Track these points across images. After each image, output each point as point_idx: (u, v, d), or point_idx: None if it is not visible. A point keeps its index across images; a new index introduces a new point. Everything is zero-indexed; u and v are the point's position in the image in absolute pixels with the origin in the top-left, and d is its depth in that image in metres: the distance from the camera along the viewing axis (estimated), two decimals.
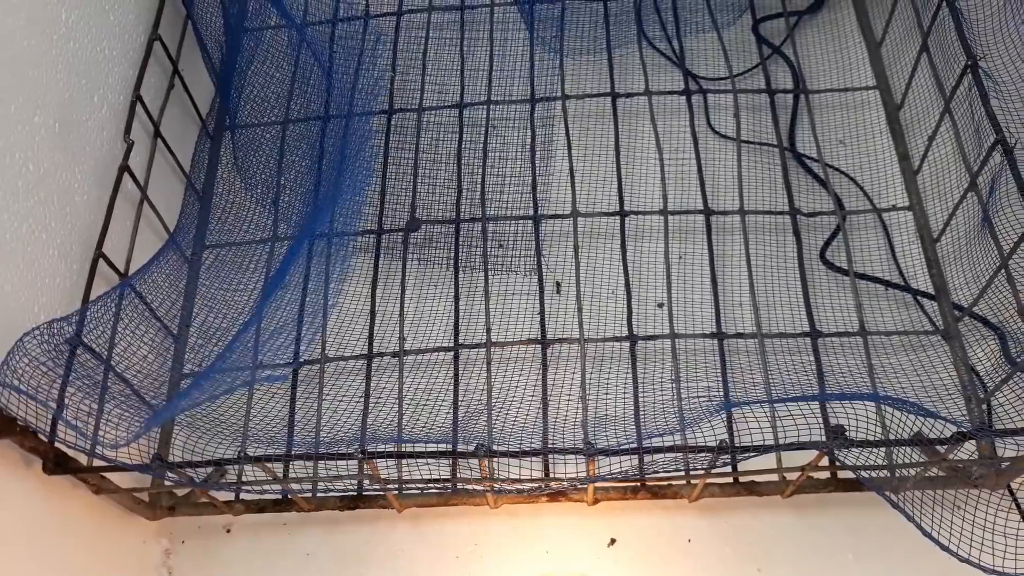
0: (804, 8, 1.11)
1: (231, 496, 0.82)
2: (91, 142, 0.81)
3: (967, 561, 0.67)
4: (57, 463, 0.68)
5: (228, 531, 0.86)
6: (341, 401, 0.86)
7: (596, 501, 0.81)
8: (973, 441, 0.78)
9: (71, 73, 0.78)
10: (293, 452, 0.79)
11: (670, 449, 0.68)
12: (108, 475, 0.73)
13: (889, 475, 0.75)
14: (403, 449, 0.77)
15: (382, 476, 0.71)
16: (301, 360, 0.88)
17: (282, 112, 1.05)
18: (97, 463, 0.70)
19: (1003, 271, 0.78)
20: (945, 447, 0.69)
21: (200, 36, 1.01)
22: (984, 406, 0.82)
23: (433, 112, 1.04)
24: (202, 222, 0.98)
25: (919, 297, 0.91)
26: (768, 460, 0.76)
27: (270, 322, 0.82)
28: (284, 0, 1.09)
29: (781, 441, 0.74)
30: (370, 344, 0.90)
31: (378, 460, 0.71)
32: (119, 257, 0.82)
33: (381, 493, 0.80)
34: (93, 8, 0.82)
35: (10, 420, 0.62)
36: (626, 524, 0.82)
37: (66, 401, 0.68)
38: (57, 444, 0.67)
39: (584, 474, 0.71)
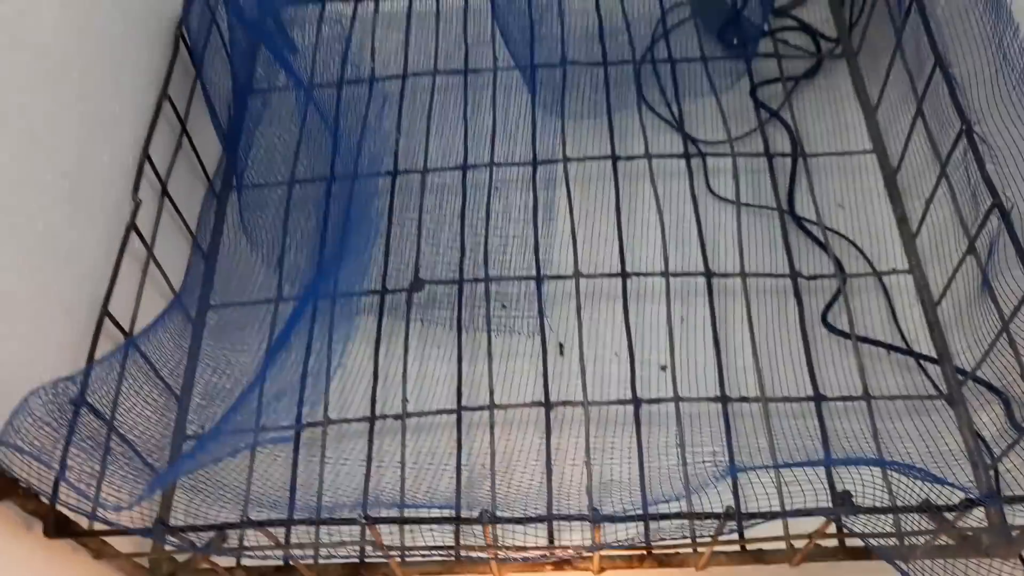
0: (801, 73, 1.14)
1: (232, 562, 0.80)
2: (100, 200, 0.81)
3: None
4: (58, 527, 0.67)
5: None
6: (343, 464, 0.85)
7: (602, 570, 0.79)
8: (983, 509, 0.78)
9: (82, 131, 0.79)
10: (295, 517, 0.78)
11: (676, 516, 0.67)
12: (109, 540, 0.72)
13: (898, 543, 0.75)
14: (406, 515, 0.76)
15: (384, 543, 0.70)
16: (303, 423, 0.88)
17: (288, 172, 1.06)
18: (98, 527, 0.69)
19: (1005, 334, 0.79)
20: (953, 514, 0.69)
21: (208, 96, 1.02)
22: (991, 472, 0.82)
23: (437, 173, 1.06)
24: (207, 282, 0.99)
25: (922, 361, 0.91)
26: (775, 527, 0.75)
27: (273, 384, 0.82)
28: (292, 62, 1.11)
29: (787, 507, 0.73)
30: (372, 406, 0.90)
31: (381, 526, 0.70)
32: (124, 316, 0.82)
33: (384, 560, 0.79)
34: (105, 67, 0.84)
35: (12, 482, 0.62)
36: None
37: (68, 463, 0.67)
38: (58, 507, 0.66)
39: (590, 542, 0.70)
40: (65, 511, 0.67)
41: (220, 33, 1.04)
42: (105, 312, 0.78)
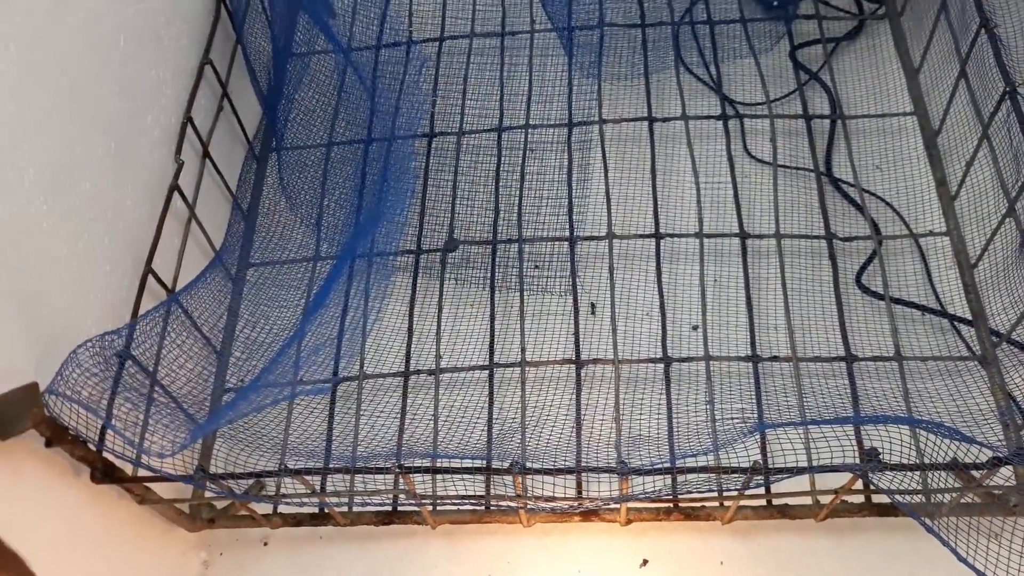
0: (842, 35, 1.12)
1: (269, 509, 0.83)
2: (144, 162, 0.84)
3: None
4: (105, 473, 0.70)
5: (265, 544, 0.87)
6: (378, 417, 0.87)
7: (629, 521, 0.81)
8: (1011, 470, 0.78)
9: (126, 96, 0.81)
10: (331, 466, 0.80)
11: (703, 470, 0.68)
12: (152, 486, 0.75)
13: (924, 500, 0.75)
14: (438, 465, 0.78)
15: (417, 492, 0.73)
16: (340, 376, 0.90)
17: (327, 134, 1.08)
18: (142, 473, 0.72)
19: None
20: (981, 473, 0.69)
21: (249, 60, 1.04)
22: (1022, 433, 0.81)
23: (473, 135, 1.07)
24: (247, 241, 1.01)
25: (956, 323, 0.90)
26: (802, 483, 0.76)
27: (312, 339, 0.84)
28: (330, 25, 1.12)
29: (815, 463, 0.74)
30: (407, 362, 0.92)
31: (414, 475, 0.72)
32: (167, 273, 0.84)
33: (416, 509, 0.82)
34: (148, 34, 0.86)
35: (62, 429, 0.65)
36: (659, 545, 0.83)
37: (115, 412, 0.71)
38: (105, 454, 0.70)
39: (617, 493, 0.71)
40: (111, 458, 0.71)
41: None
42: (149, 269, 0.81)
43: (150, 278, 0.81)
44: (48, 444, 0.64)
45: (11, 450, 0.62)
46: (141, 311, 0.79)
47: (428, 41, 1.15)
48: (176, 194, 0.86)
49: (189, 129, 0.90)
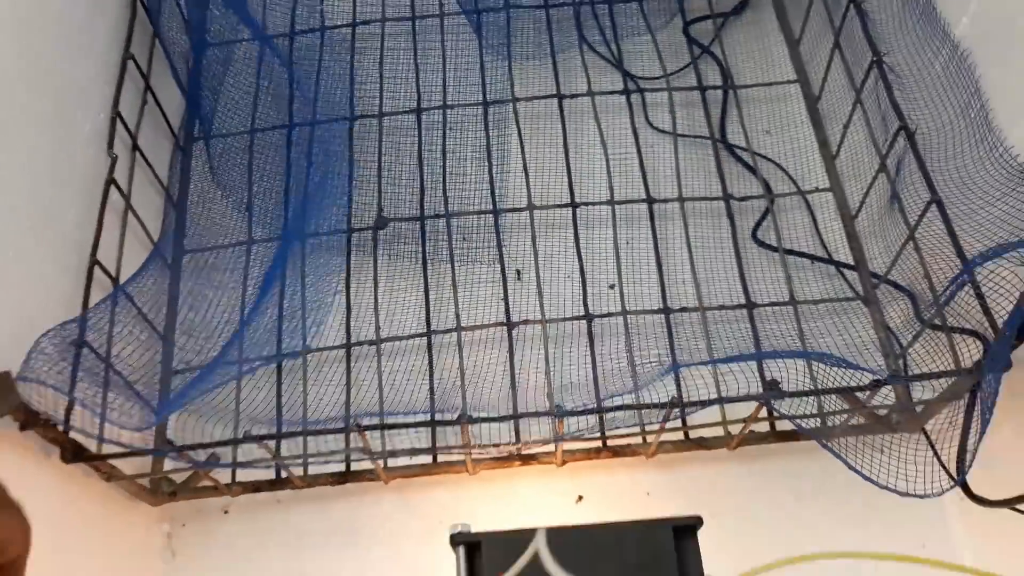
0: (729, 10, 1.21)
1: (228, 479, 0.88)
2: (77, 158, 0.86)
3: (885, 487, 0.78)
4: (74, 453, 0.74)
5: (226, 512, 0.92)
6: (327, 386, 0.93)
7: (564, 463, 0.89)
8: (893, 391, 0.90)
9: (57, 95, 0.83)
10: (286, 431, 0.85)
11: (627, 408, 0.77)
12: (116, 463, 0.79)
13: (821, 423, 0.86)
14: (387, 422, 0.84)
15: (370, 448, 0.79)
16: (284, 352, 0.95)
17: (250, 121, 1.11)
18: (110, 450, 0.76)
19: (911, 241, 0.89)
20: (865, 394, 0.80)
21: (168, 53, 1.06)
22: (900, 361, 0.93)
23: (392, 117, 1.12)
24: (179, 228, 1.04)
25: (841, 268, 1.01)
26: (714, 415, 0.85)
27: (258, 320, 0.89)
28: (246, 14, 1.15)
29: (723, 396, 0.83)
30: (348, 335, 0.97)
31: (367, 433, 0.78)
32: (111, 264, 0.87)
33: (368, 468, 0.88)
34: (72, 33, 0.88)
35: (34, 413, 0.68)
36: (591, 482, 0.91)
37: (76, 396, 0.74)
38: (73, 435, 0.73)
39: (552, 435, 0.79)
40: (79, 438, 0.74)
41: None
42: (95, 261, 0.84)
43: (96, 269, 0.84)
44: (22, 428, 0.68)
45: None
46: (92, 301, 0.82)
47: (341, 27, 1.19)
48: (112, 187, 0.89)
49: (118, 124, 0.93)
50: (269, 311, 0.93)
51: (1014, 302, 0.71)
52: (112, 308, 0.85)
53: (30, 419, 0.68)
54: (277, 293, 0.96)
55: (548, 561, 0.52)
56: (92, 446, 0.77)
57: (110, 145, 0.91)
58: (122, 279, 0.88)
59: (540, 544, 0.52)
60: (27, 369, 0.68)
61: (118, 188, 0.90)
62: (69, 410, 0.74)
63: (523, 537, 0.54)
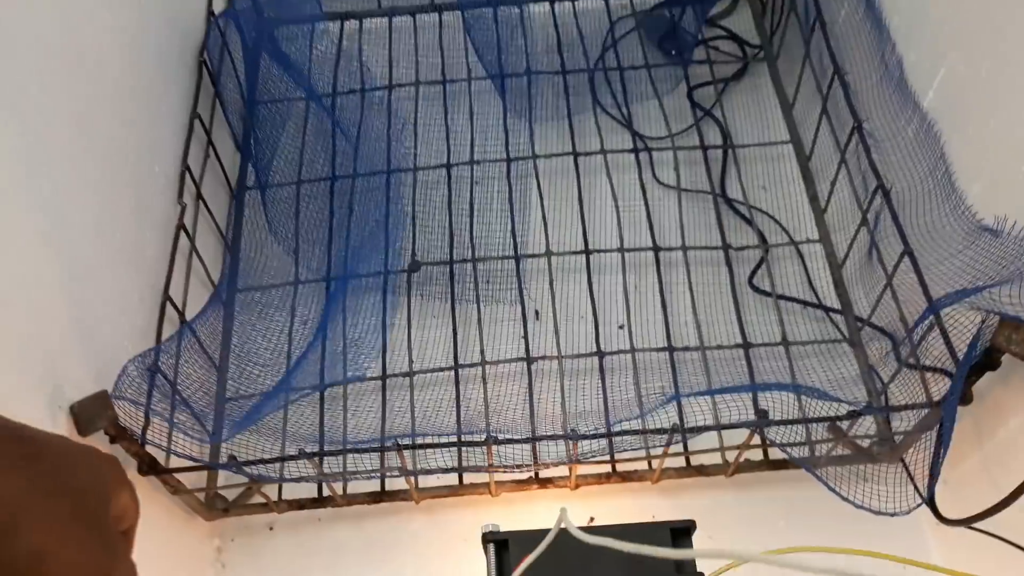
0: (730, 76, 1.33)
1: (275, 495, 0.99)
2: (155, 207, 0.98)
3: (861, 507, 0.88)
4: (150, 465, 0.84)
5: (271, 528, 1.02)
6: (365, 413, 1.04)
7: (577, 486, 0.99)
8: (875, 424, 0.99)
9: (140, 152, 0.96)
10: (334, 449, 0.96)
11: (633, 432, 0.87)
12: (181, 477, 0.90)
13: (809, 452, 0.95)
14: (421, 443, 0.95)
15: (406, 466, 0.90)
16: (326, 383, 1.06)
17: (295, 173, 1.24)
18: (182, 463, 0.86)
19: (889, 288, 0.99)
20: (846, 424, 0.90)
21: (225, 110, 1.19)
22: (882, 396, 1.03)
23: (424, 171, 1.24)
24: (232, 270, 1.16)
25: (829, 312, 1.12)
26: (713, 442, 0.95)
27: (312, 354, 1.00)
28: (293, 76, 1.28)
29: (720, 423, 0.93)
30: (383, 367, 1.08)
31: (396, 453, 0.89)
32: (178, 299, 0.99)
33: (401, 488, 0.98)
34: (153, 96, 1.01)
35: (122, 429, 0.79)
36: (602, 505, 1.01)
37: (152, 417, 0.85)
38: (149, 449, 0.84)
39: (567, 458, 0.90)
40: (153, 453, 0.85)
41: (230, 54, 1.21)
42: (167, 297, 0.96)
43: (168, 305, 0.96)
44: (112, 441, 0.79)
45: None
46: (164, 332, 0.94)
47: (379, 89, 1.32)
48: (181, 232, 1.01)
49: (186, 176, 1.05)
50: (317, 345, 1.04)
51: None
52: (179, 341, 0.96)
53: (119, 434, 0.79)
54: (326, 329, 1.07)
55: (573, 531, 0.62)
56: (163, 462, 0.88)
57: (180, 195, 1.03)
58: (185, 311, 1.00)
59: (566, 520, 0.62)
60: (117, 389, 0.80)
61: (187, 233, 1.02)
62: (146, 427, 0.84)
63: (545, 534, 0.64)
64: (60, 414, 0.74)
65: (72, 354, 0.78)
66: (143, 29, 0.99)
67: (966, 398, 0.83)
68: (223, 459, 0.93)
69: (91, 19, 0.88)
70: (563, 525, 0.63)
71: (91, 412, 0.74)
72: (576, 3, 1.37)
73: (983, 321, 0.80)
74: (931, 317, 0.88)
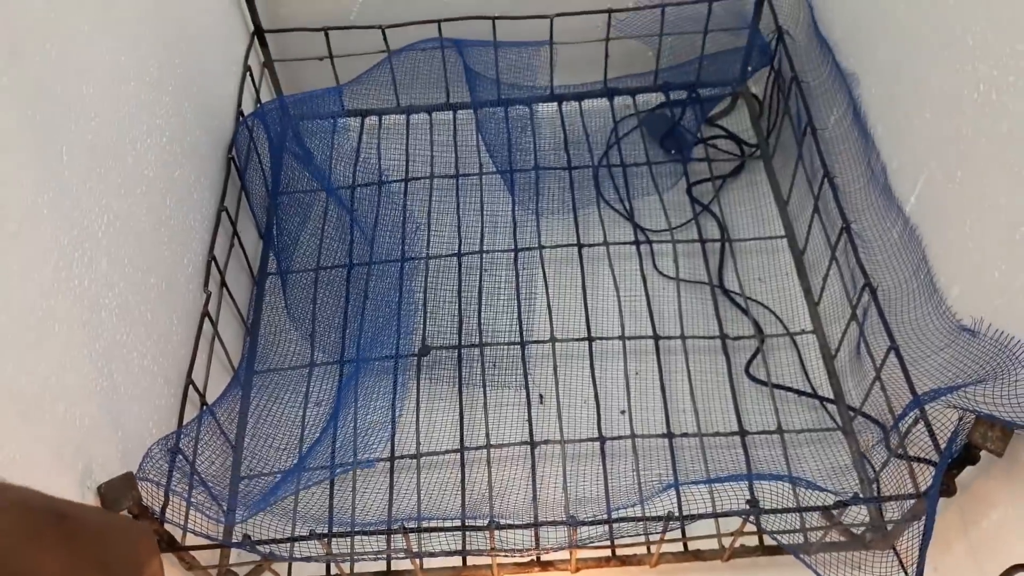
0: (727, 173, 1.41)
1: (284, 574, 1.02)
2: (182, 294, 1.05)
3: None
4: (169, 542, 0.89)
5: None
6: (374, 493, 1.08)
7: (578, 569, 1.02)
8: (867, 512, 1.02)
9: (172, 243, 1.03)
10: (342, 531, 0.99)
11: (632, 519, 0.91)
12: (196, 554, 0.94)
13: (802, 539, 0.99)
14: (424, 526, 0.98)
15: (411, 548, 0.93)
16: (338, 463, 1.10)
17: (314, 261, 1.30)
18: (198, 541, 0.90)
19: (878, 381, 1.04)
20: (837, 512, 0.93)
21: (250, 201, 1.27)
22: (873, 484, 1.06)
23: (436, 259, 1.30)
24: (251, 352, 1.22)
25: (823, 402, 1.16)
26: (710, 528, 0.99)
27: (325, 437, 1.05)
28: (314, 169, 1.36)
29: (715, 510, 0.97)
30: (392, 449, 1.13)
31: (400, 536, 0.93)
32: (199, 382, 1.04)
33: (407, 569, 1.01)
34: (184, 191, 1.08)
35: (144, 508, 0.84)
36: None
37: (173, 495, 0.90)
38: (167, 527, 0.88)
39: (567, 542, 0.93)
40: (170, 530, 0.89)
41: (256, 150, 1.29)
42: (189, 381, 1.01)
43: (190, 388, 1.01)
44: (134, 519, 0.83)
45: None
46: (186, 414, 0.99)
47: (395, 182, 1.40)
48: (205, 319, 1.07)
49: (212, 265, 1.12)
50: (330, 430, 1.09)
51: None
52: (198, 425, 1.01)
53: (141, 512, 0.83)
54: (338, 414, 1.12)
55: None
56: (179, 539, 0.92)
57: (206, 283, 1.09)
58: (206, 393, 1.05)
59: None
60: (141, 471, 0.84)
61: (210, 320, 1.08)
62: (165, 505, 0.89)
63: None
64: (89, 494, 0.79)
65: (101, 435, 0.83)
66: (178, 130, 1.07)
67: (949, 490, 0.86)
68: (236, 537, 0.97)
69: (133, 121, 0.96)
70: None
71: (117, 492, 0.79)
72: (582, 103, 1.46)
73: (960, 419, 0.85)
74: (916, 411, 0.92)
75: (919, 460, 0.94)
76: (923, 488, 0.91)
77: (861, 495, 1.05)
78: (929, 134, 1.00)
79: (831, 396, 1.16)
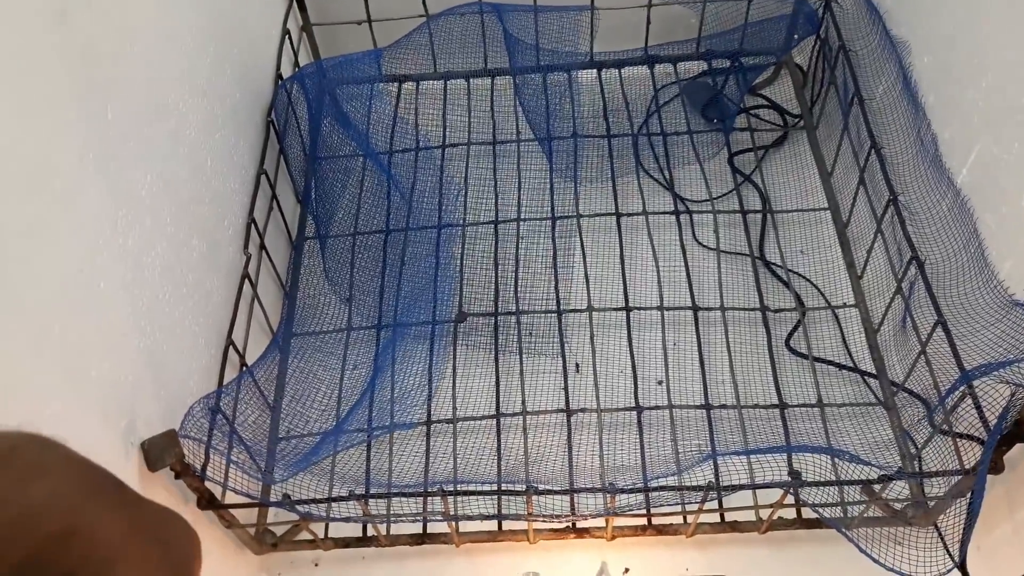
0: (770, 143, 1.38)
1: (322, 533, 1.03)
2: (223, 256, 1.05)
3: (892, 569, 0.89)
4: (209, 500, 0.89)
5: (316, 564, 1.06)
6: (411, 457, 1.08)
7: (613, 537, 1.02)
8: (908, 488, 1.01)
9: (212, 205, 1.03)
10: (380, 492, 1.00)
11: (670, 488, 0.90)
12: (236, 513, 0.95)
13: (842, 513, 0.98)
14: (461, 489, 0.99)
15: (448, 511, 0.93)
16: (374, 427, 1.11)
17: (352, 226, 1.30)
18: (238, 499, 0.91)
19: (923, 355, 1.02)
20: (879, 487, 0.92)
21: (289, 165, 1.27)
22: (915, 460, 1.05)
23: (473, 227, 1.30)
24: (289, 315, 1.22)
25: (864, 376, 1.14)
26: (747, 500, 0.98)
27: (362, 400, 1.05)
28: (351, 133, 1.36)
29: (754, 482, 0.96)
30: (428, 413, 1.13)
31: (438, 499, 0.93)
32: (239, 342, 1.05)
33: (443, 531, 1.02)
34: (225, 154, 1.08)
35: (186, 465, 0.84)
36: (637, 557, 1.04)
37: (217, 451, 0.90)
38: (208, 485, 0.89)
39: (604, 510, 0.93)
40: (213, 489, 0.90)
41: (295, 114, 1.29)
42: (230, 342, 1.02)
43: (229, 349, 1.02)
44: (176, 477, 0.84)
45: (153, 480, 0.81)
46: (225, 375, 0.99)
47: (433, 148, 1.39)
48: (246, 281, 1.07)
49: (252, 227, 1.12)
50: (368, 393, 1.09)
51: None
52: (238, 385, 1.02)
53: (183, 470, 0.84)
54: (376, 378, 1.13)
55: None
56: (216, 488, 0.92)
57: (245, 245, 1.10)
58: (246, 354, 1.06)
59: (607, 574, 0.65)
60: (184, 428, 0.85)
61: (250, 281, 1.08)
62: (206, 463, 0.90)
63: None
64: (132, 450, 0.80)
65: (143, 393, 0.83)
66: (219, 92, 1.07)
67: (997, 467, 0.85)
68: (274, 497, 0.98)
69: (175, 82, 0.96)
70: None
71: (160, 449, 0.80)
72: (622, 71, 1.43)
73: (1012, 394, 0.83)
74: (964, 387, 0.90)
75: (966, 436, 0.92)
76: (967, 465, 0.90)
77: (904, 471, 1.03)
78: (984, 104, 0.97)
79: (873, 371, 1.14)
